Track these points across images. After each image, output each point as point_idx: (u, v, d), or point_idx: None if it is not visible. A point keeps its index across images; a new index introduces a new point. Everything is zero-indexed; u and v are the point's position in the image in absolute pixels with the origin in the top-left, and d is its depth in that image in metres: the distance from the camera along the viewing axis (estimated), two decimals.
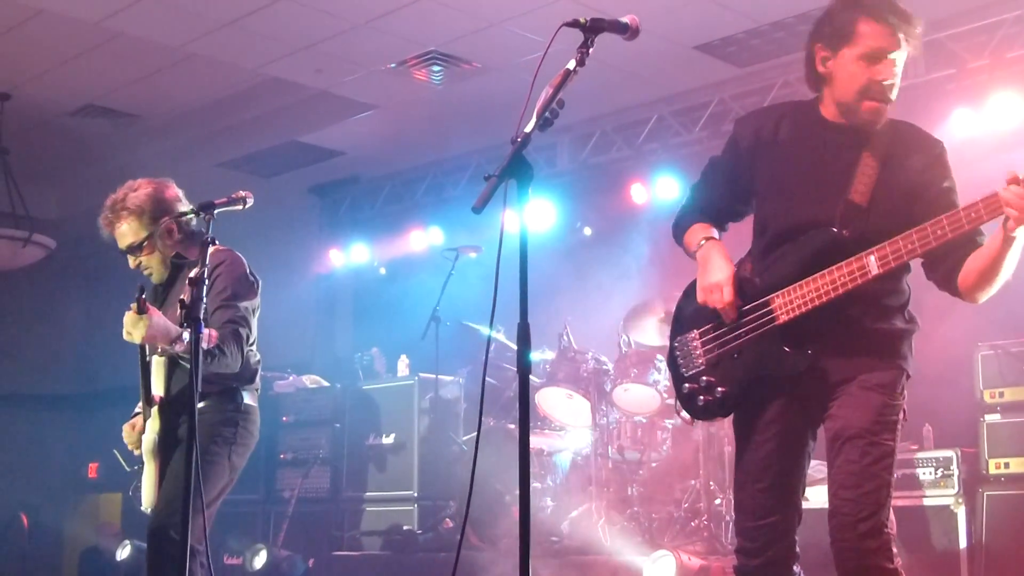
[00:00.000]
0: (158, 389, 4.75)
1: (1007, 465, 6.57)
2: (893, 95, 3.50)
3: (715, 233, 3.77)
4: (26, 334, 12.38)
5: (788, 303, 3.48)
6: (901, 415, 3.45)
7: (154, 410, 4.75)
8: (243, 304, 4.85)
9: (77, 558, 11.34)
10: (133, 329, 4.48)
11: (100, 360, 13.15)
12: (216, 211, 4.49)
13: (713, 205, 3.85)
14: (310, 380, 10.27)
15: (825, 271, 3.42)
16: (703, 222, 3.81)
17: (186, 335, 4.41)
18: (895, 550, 3.32)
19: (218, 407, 4.89)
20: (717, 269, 3.62)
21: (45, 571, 12.02)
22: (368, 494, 9.35)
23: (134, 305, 4.44)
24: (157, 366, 4.80)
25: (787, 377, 3.50)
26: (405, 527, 8.67)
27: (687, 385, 3.72)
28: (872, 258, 3.34)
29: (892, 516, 3.36)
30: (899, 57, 3.49)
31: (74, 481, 13.10)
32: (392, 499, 9.16)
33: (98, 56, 8.83)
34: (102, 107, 9.96)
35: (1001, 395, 6.73)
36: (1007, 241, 3.23)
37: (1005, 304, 7.16)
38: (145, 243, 5.03)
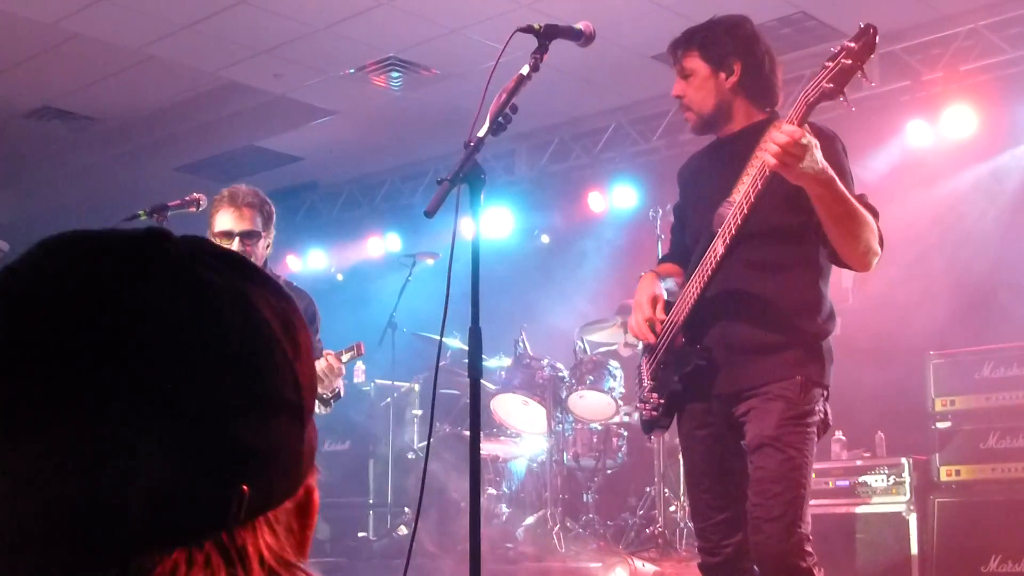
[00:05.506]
0: None
1: (958, 472, 6.62)
2: (693, 107, 3.70)
3: (668, 270, 3.91)
4: None
5: (682, 303, 3.65)
6: (813, 423, 3.50)
7: None
8: None
9: None
10: None
11: None
12: (169, 213, 4.52)
13: (679, 246, 4.00)
14: None
15: (698, 266, 3.58)
16: (666, 263, 3.99)
17: None
18: (809, 550, 3.40)
19: None
20: (637, 291, 3.79)
21: None
22: (322, 500, 9.28)
23: None
24: None
25: (700, 381, 3.60)
26: (360, 534, 8.65)
27: (638, 404, 3.89)
28: (719, 240, 3.48)
29: (808, 518, 3.43)
30: (681, 73, 3.69)
31: None
32: (347, 505, 9.12)
33: (54, 57, 8.75)
34: (58, 109, 9.87)
35: (952, 403, 6.78)
36: (808, 190, 3.27)
37: (957, 313, 7.34)
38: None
